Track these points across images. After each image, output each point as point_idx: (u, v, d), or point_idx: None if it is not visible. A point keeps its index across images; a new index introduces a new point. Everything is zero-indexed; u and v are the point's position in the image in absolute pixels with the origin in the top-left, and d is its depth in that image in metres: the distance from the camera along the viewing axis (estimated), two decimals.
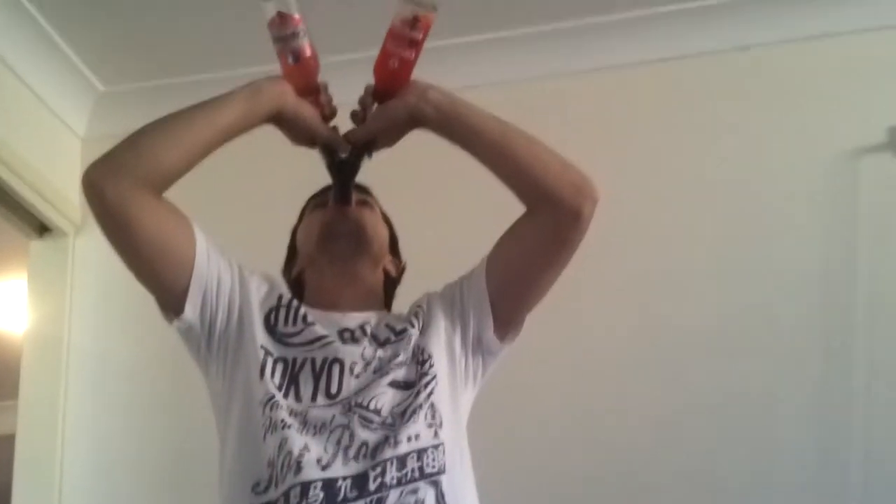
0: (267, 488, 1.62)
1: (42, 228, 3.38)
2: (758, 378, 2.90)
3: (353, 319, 1.83)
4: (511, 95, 3.05)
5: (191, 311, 1.74)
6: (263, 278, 1.88)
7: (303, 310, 1.82)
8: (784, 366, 2.90)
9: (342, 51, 2.72)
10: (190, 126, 1.71)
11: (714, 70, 3.22)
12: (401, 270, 2.05)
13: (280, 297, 1.84)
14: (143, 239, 1.68)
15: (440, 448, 1.67)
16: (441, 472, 1.65)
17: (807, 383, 2.88)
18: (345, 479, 1.60)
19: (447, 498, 1.64)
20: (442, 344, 1.80)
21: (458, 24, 3.11)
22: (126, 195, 1.65)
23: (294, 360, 1.75)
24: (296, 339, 1.78)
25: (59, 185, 3.27)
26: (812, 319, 2.94)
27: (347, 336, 1.80)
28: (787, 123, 3.12)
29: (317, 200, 2.00)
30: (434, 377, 1.74)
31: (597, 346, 3.00)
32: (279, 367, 1.73)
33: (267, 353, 1.74)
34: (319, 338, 1.77)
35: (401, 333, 1.80)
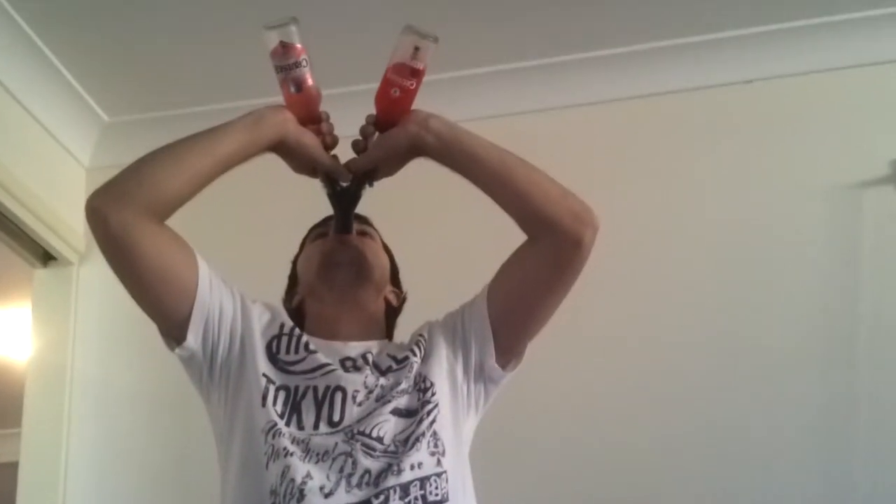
0: None
1: (46, 257, 3.39)
2: (759, 410, 2.90)
3: (354, 349, 1.84)
4: (511, 128, 3.07)
5: (193, 338, 1.75)
6: (265, 307, 1.89)
7: (305, 338, 1.83)
8: (785, 398, 2.90)
9: (343, 83, 2.75)
10: (191, 154, 1.72)
11: (717, 103, 3.23)
12: (402, 300, 2.06)
13: (282, 326, 1.85)
14: (146, 266, 1.69)
15: (443, 476, 1.67)
16: (444, 500, 1.65)
17: (808, 415, 2.88)
18: None
19: None
20: (444, 372, 1.81)
21: (456, 56, 3.12)
22: (128, 222, 1.65)
23: (296, 388, 1.75)
24: (298, 367, 1.78)
25: (63, 214, 3.29)
26: (813, 351, 2.94)
27: (349, 364, 1.80)
28: (789, 157, 3.13)
29: (317, 231, 2.01)
30: (436, 405, 1.74)
31: (597, 378, 2.99)
32: (281, 395, 1.74)
33: (269, 381, 1.75)
34: (322, 366, 1.77)
35: (402, 362, 1.80)
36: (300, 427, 1.70)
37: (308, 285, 1.95)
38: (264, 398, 1.72)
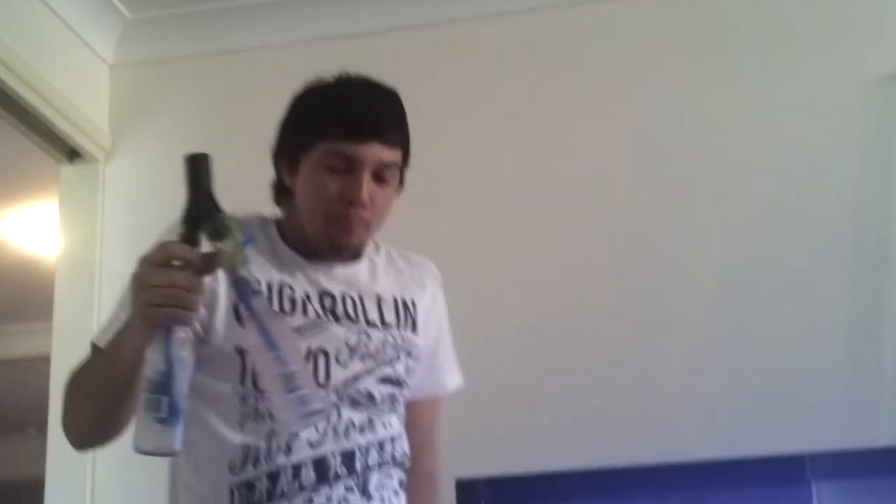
0: (243, 468, 1.68)
1: (72, 154, 3.41)
2: (789, 302, 2.94)
3: (335, 279, 1.83)
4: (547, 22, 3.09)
5: None
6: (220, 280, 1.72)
7: (276, 292, 1.77)
8: (816, 292, 2.94)
9: None
10: (97, 396, 1.66)
11: None
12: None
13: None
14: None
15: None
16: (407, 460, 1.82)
17: (838, 308, 2.92)
18: (334, 455, 1.69)
19: None
20: (420, 351, 1.90)
21: None
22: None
23: None
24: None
25: (88, 111, 3.31)
26: (846, 244, 2.97)
27: (329, 303, 1.80)
28: (823, 49, 3.12)
29: (329, 160, 1.77)
30: (409, 371, 1.86)
31: (626, 276, 3.05)
32: None
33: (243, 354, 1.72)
34: (297, 328, 1.74)
35: (386, 325, 1.84)
36: None
37: (306, 221, 1.82)
38: (243, 376, 1.72)
